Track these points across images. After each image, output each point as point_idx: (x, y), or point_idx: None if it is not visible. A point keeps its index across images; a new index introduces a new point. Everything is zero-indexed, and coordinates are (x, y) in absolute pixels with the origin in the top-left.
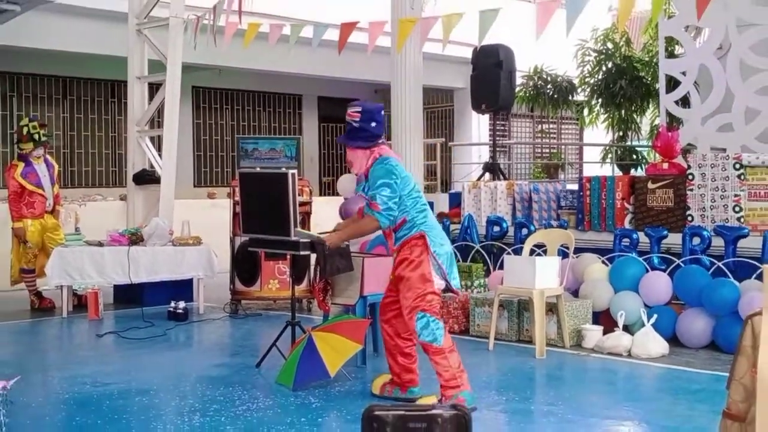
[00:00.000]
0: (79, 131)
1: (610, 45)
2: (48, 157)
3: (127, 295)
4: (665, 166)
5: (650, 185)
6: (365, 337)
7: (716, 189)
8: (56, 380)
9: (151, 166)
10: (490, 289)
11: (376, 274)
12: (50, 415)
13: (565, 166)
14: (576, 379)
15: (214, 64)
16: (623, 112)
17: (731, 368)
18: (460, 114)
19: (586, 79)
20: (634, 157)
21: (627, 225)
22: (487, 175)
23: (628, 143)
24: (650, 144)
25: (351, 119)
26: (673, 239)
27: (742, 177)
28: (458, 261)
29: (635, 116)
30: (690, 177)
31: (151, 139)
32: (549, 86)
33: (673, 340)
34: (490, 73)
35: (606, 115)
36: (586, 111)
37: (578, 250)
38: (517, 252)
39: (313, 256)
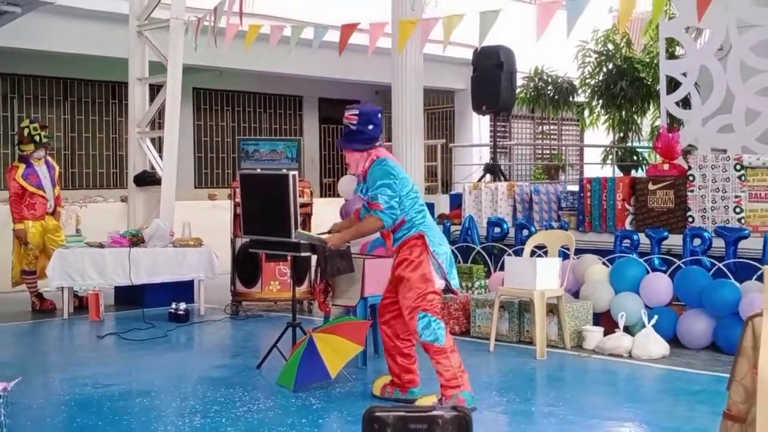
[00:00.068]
0: (80, 133)
1: (610, 46)
2: (49, 158)
3: (128, 297)
4: (666, 167)
5: (651, 186)
6: (366, 338)
7: (717, 190)
8: (57, 381)
9: (152, 167)
10: (490, 290)
11: (377, 275)
12: (51, 416)
13: (565, 168)
14: (577, 380)
15: (214, 66)
16: (624, 113)
17: (732, 369)
18: (461, 115)
19: (587, 81)
20: (635, 158)
21: (628, 226)
22: (488, 177)
23: (629, 144)
24: (651, 145)
25: (348, 122)
26: (674, 240)
27: (743, 178)
28: (459, 262)
29: (636, 117)
30: (690, 178)
31: (152, 140)
32: (549, 87)
33: (674, 341)
34: (491, 74)
35: (606, 117)
36: (586, 112)
37: (579, 251)
38: (518, 253)
39: (314, 258)
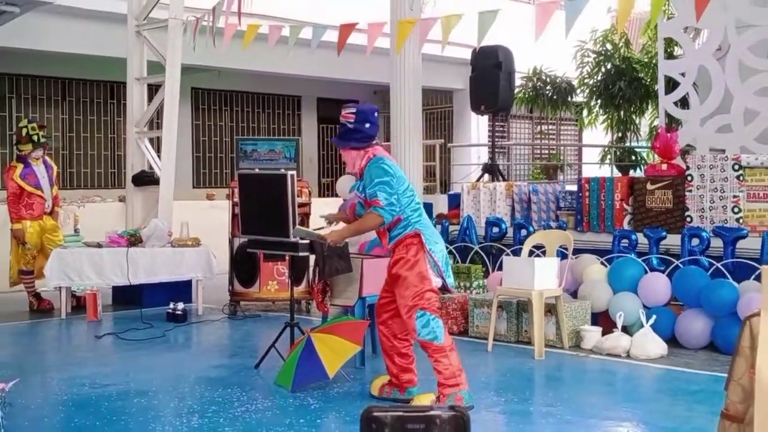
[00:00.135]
0: (78, 132)
1: (609, 46)
2: (47, 158)
3: (126, 297)
4: (664, 167)
5: (649, 186)
6: (364, 338)
7: (715, 190)
8: (55, 381)
9: (150, 167)
10: (489, 290)
11: (375, 275)
12: (49, 416)
13: (564, 167)
14: (575, 380)
15: (213, 66)
16: (622, 113)
17: (729, 369)
18: (459, 115)
19: (585, 81)
20: (633, 158)
21: (626, 226)
22: (486, 176)
23: (627, 144)
24: (649, 145)
25: (345, 120)
26: (672, 240)
27: (741, 178)
28: (457, 262)
29: (634, 117)
30: (689, 178)
31: (150, 140)
32: (548, 87)
33: (672, 341)
34: (490, 74)
35: (605, 116)
36: (585, 112)
37: (577, 251)
38: (516, 253)
39: (312, 258)
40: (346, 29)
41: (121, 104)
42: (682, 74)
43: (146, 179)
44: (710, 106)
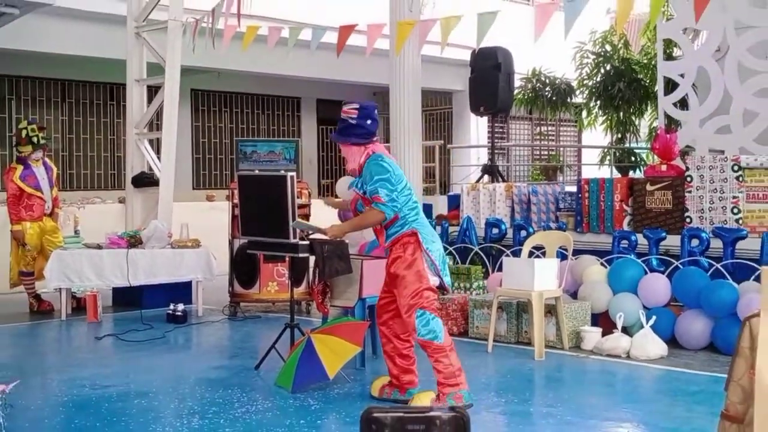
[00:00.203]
0: (78, 134)
1: (608, 47)
2: (47, 160)
3: (126, 298)
4: (664, 168)
5: (649, 187)
6: (364, 339)
7: (714, 191)
8: (55, 383)
9: (150, 168)
10: (488, 291)
11: (375, 276)
12: (49, 417)
13: (563, 169)
14: (575, 380)
15: (212, 67)
16: (621, 114)
17: (729, 370)
18: (459, 116)
19: (585, 82)
20: (633, 159)
21: (625, 227)
22: (486, 178)
23: (627, 145)
24: (649, 146)
25: (347, 116)
26: (672, 241)
27: (741, 179)
28: (457, 263)
29: (634, 118)
30: (688, 179)
31: (150, 141)
32: (547, 88)
33: (672, 342)
34: (489, 75)
35: (604, 118)
36: (584, 113)
37: (577, 252)
38: (516, 254)
39: (312, 259)
40: (346, 30)
41: (120, 106)
42: (682, 75)
43: (146, 180)
44: (709, 107)
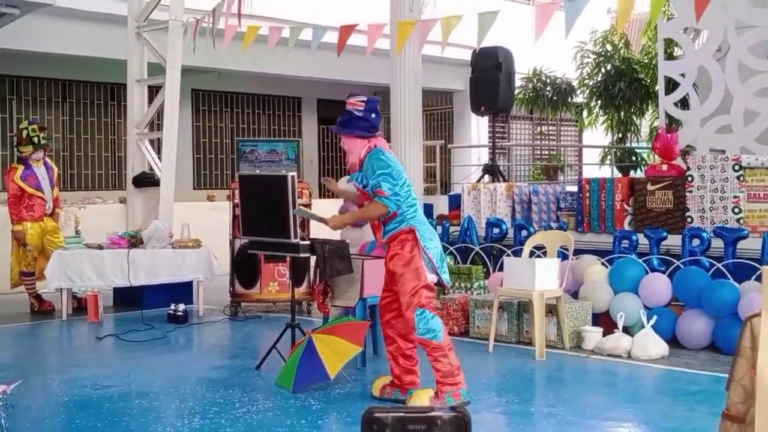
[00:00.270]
0: (79, 134)
1: (609, 47)
2: (47, 160)
3: (127, 298)
4: (664, 167)
5: (649, 187)
6: (365, 339)
7: (715, 190)
8: (56, 383)
9: (151, 168)
10: (489, 290)
11: (376, 276)
12: (50, 417)
13: (564, 168)
14: (576, 380)
15: (213, 67)
16: (622, 113)
17: (730, 369)
18: (460, 116)
19: (585, 81)
20: (634, 158)
21: (626, 227)
22: (487, 177)
23: (628, 145)
24: (649, 146)
25: (353, 108)
26: (673, 241)
27: (741, 178)
28: (458, 263)
29: (634, 118)
30: (689, 178)
31: (151, 141)
32: (548, 88)
33: (673, 342)
34: (489, 75)
35: (605, 117)
36: (585, 113)
37: (578, 252)
38: (517, 254)
39: (313, 259)
40: (346, 30)
41: (121, 106)
42: (682, 75)
43: (147, 181)
44: (710, 106)
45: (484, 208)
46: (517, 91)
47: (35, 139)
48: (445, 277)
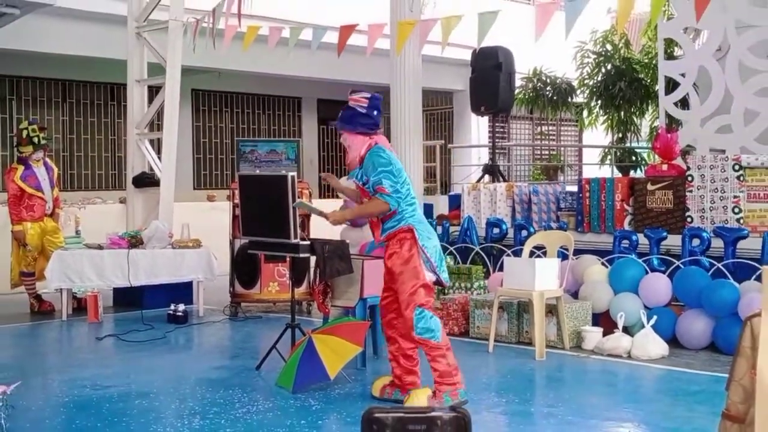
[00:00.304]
0: (79, 134)
1: (609, 47)
2: (47, 160)
3: (127, 298)
4: (664, 167)
5: (649, 187)
6: (365, 339)
7: (715, 190)
8: (56, 383)
9: (151, 169)
10: (489, 290)
11: (376, 276)
12: (50, 418)
13: (564, 168)
14: (576, 380)
15: (213, 67)
16: (622, 113)
17: (730, 369)
18: (460, 116)
19: (585, 81)
20: (634, 158)
21: (626, 226)
22: (487, 177)
23: (628, 145)
24: (649, 145)
25: (357, 104)
26: (673, 241)
27: (742, 178)
28: (458, 263)
29: (634, 118)
30: (689, 178)
31: (151, 142)
32: (548, 88)
33: (673, 342)
34: (490, 75)
35: (605, 117)
36: (585, 113)
37: (578, 252)
38: (517, 254)
39: (313, 259)
40: (346, 30)
41: (121, 106)
42: (682, 75)
43: (147, 181)
44: (710, 106)
45: (484, 208)
46: (517, 91)
47: (35, 140)
48: (444, 276)
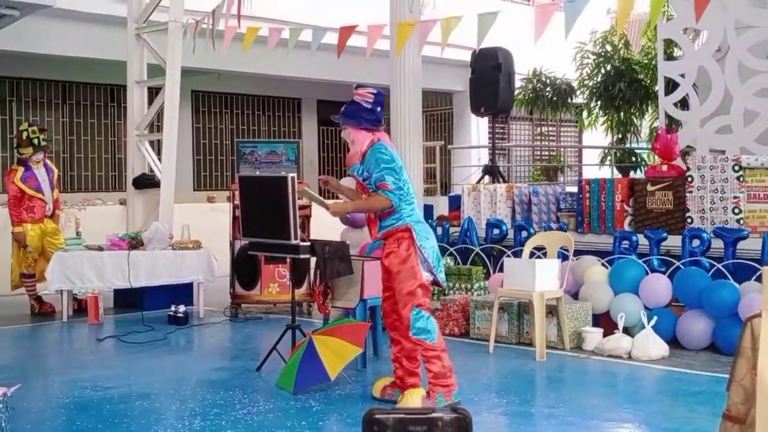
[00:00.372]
0: (79, 136)
1: (608, 47)
2: (48, 161)
3: (127, 300)
4: (664, 168)
5: (649, 187)
6: (365, 340)
7: (715, 191)
8: (57, 385)
9: (151, 170)
10: (490, 291)
11: (376, 277)
12: (50, 419)
13: (564, 169)
14: (576, 381)
15: (213, 68)
16: (622, 114)
17: (731, 370)
18: (460, 117)
19: (585, 82)
20: (634, 159)
21: (626, 227)
22: (487, 178)
23: (627, 145)
24: (649, 146)
25: (362, 99)
26: (673, 241)
27: (741, 179)
28: (458, 264)
29: (634, 118)
30: (689, 179)
31: (151, 143)
32: (548, 89)
33: (673, 342)
34: (489, 76)
35: (605, 118)
36: (585, 113)
37: (578, 253)
38: (517, 255)
39: (313, 260)
40: (346, 31)
41: (121, 107)
42: (682, 75)
43: (147, 182)
44: (710, 107)
45: (484, 209)
46: (516, 92)
47: (35, 141)
48: (441, 276)
